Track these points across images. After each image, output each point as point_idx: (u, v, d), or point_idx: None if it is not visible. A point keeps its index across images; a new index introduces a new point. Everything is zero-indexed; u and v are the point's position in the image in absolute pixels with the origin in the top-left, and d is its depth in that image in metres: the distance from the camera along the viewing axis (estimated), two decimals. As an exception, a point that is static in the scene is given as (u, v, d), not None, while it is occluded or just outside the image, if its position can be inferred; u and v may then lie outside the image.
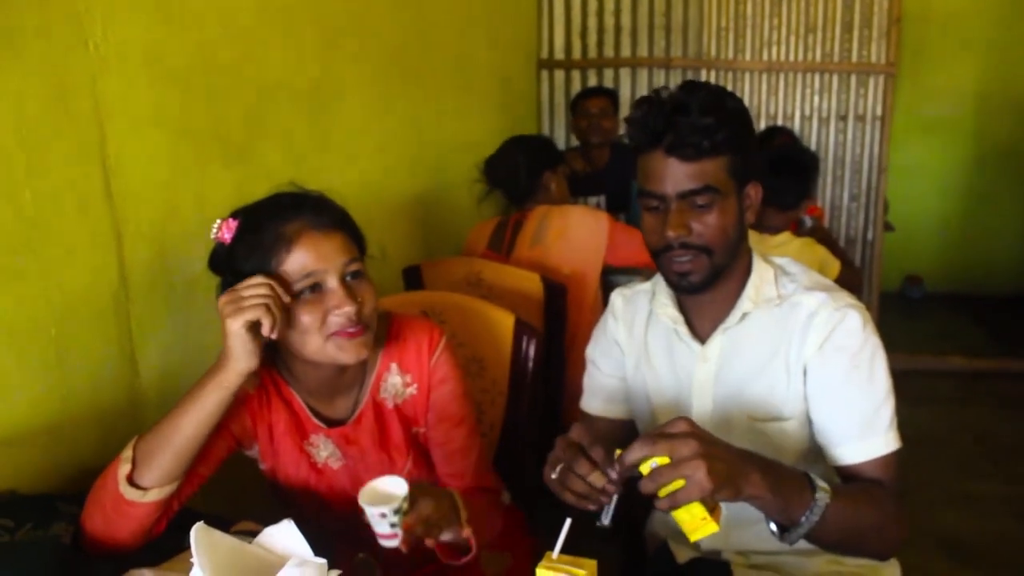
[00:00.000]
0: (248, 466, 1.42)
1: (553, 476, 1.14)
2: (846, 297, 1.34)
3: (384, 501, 1.13)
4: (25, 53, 1.22)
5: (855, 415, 1.30)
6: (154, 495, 1.17)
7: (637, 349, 1.51)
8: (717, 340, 1.39)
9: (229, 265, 1.25)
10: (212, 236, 1.24)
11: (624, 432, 1.59)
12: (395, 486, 1.16)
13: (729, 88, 3.81)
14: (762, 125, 3.93)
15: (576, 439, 1.14)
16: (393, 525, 1.14)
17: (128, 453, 1.18)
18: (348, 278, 1.26)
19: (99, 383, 1.39)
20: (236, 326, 1.16)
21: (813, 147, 3.96)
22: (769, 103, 3.96)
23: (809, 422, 1.36)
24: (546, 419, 2.21)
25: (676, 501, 1.03)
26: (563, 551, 1.04)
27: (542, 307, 2.28)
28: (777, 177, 2.51)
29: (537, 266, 2.50)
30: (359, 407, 1.42)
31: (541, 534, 1.71)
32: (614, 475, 1.09)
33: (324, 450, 1.41)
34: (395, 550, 1.51)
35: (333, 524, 1.47)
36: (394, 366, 1.43)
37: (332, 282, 1.24)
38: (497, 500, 1.57)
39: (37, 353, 1.27)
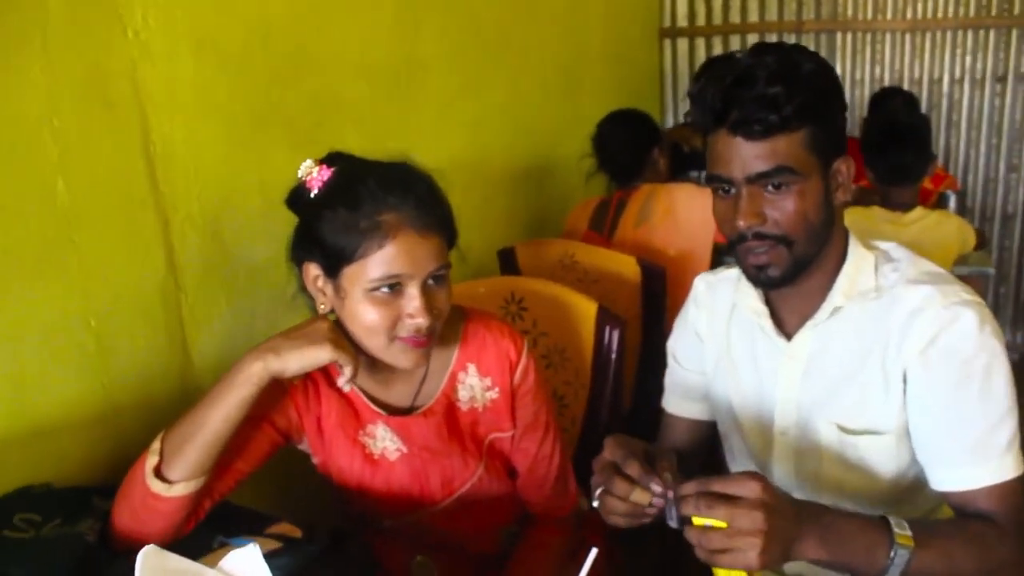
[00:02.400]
0: (299, 461, 1.37)
1: (595, 504, 1.04)
2: (961, 291, 1.13)
3: None
4: (56, 43, 1.19)
5: (963, 435, 1.10)
6: (181, 489, 1.12)
7: (719, 342, 1.35)
8: (805, 336, 1.22)
9: (312, 225, 1.18)
10: (299, 176, 1.20)
11: (707, 433, 1.44)
12: None
13: (868, 52, 3.56)
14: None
15: (609, 458, 1.03)
16: None
17: (156, 445, 1.14)
18: (430, 282, 1.18)
19: (147, 373, 1.37)
20: (327, 355, 1.13)
21: (964, 113, 3.58)
22: (913, 66, 3.60)
23: (910, 440, 1.16)
24: (643, 413, 2.07)
25: (716, 562, 0.92)
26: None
27: (640, 291, 2.12)
28: (894, 151, 2.24)
29: (642, 247, 2.35)
30: (428, 399, 1.34)
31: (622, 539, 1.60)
32: (658, 488, 0.98)
33: (381, 440, 1.33)
34: (455, 552, 1.44)
35: (390, 521, 1.41)
36: (472, 367, 1.35)
37: (413, 288, 1.16)
38: (566, 527, 1.48)
39: (76, 346, 1.25)
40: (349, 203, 1.15)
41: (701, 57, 3.81)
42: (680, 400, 1.44)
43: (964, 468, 1.10)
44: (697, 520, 0.93)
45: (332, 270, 1.18)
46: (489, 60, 2.41)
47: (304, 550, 1.17)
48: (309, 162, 1.21)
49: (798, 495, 1.28)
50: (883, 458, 1.19)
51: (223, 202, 1.49)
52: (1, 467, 1.17)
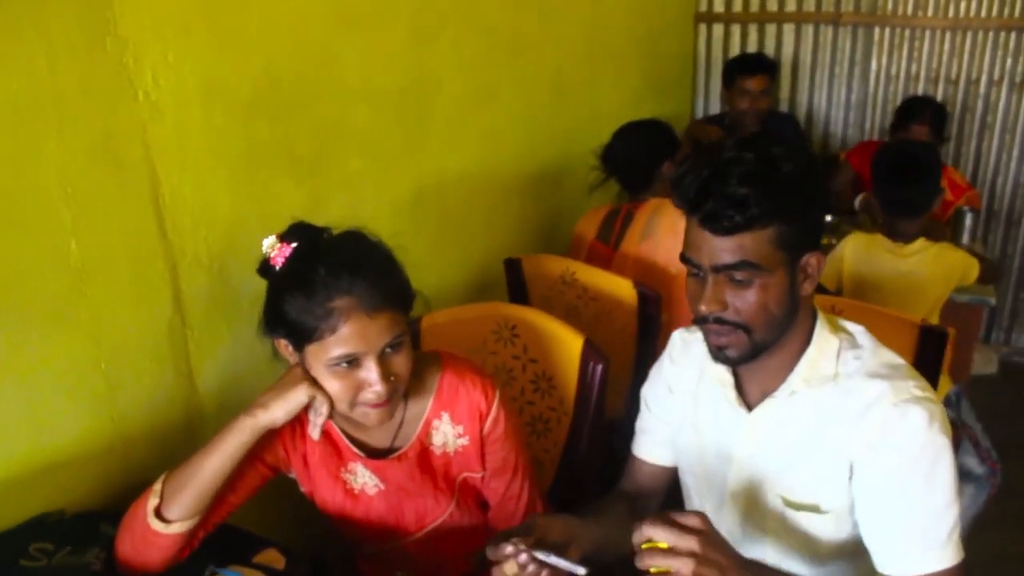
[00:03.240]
0: (293, 487, 1.50)
1: None
2: (912, 388, 1.19)
3: None
4: (70, 113, 1.31)
5: (908, 526, 1.17)
6: (178, 527, 1.27)
7: (687, 398, 1.44)
8: (764, 411, 1.30)
9: (276, 304, 1.30)
10: (264, 251, 1.30)
11: (668, 478, 1.53)
12: None
13: (905, 49, 3.50)
14: (940, 91, 3.50)
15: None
16: None
17: (157, 487, 1.29)
18: (387, 350, 1.29)
19: (154, 405, 1.51)
20: (304, 394, 1.27)
21: (1000, 116, 3.50)
22: (951, 65, 3.53)
23: (851, 519, 1.25)
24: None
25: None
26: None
27: (636, 314, 2.20)
28: (900, 185, 2.26)
29: (645, 263, 2.41)
30: (404, 443, 1.46)
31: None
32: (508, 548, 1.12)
33: (361, 477, 1.47)
34: (432, 569, 1.58)
35: (369, 546, 1.55)
36: (445, 416, 1.46)
37: (370, 361, 1.27)
38: None
39: (87, 387, 1.40)
40: (305, 290, 1.25)
41: (736, 44, 3.78)
42: (647, 444, 1.53)
43: (908, 557, 1.17)
44: (645, 546, 1.05)
45: (298, 345, 1.30)
46: (504, 67, 2.46)
47: None
48: (272, 239, 1.31)
49: (745, 550, 1.38)
50: (822, 533, 1.28)
51: (228, 240, 1.61)
52: (20, 496, 1.33)
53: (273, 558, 1.38)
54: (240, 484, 1.39)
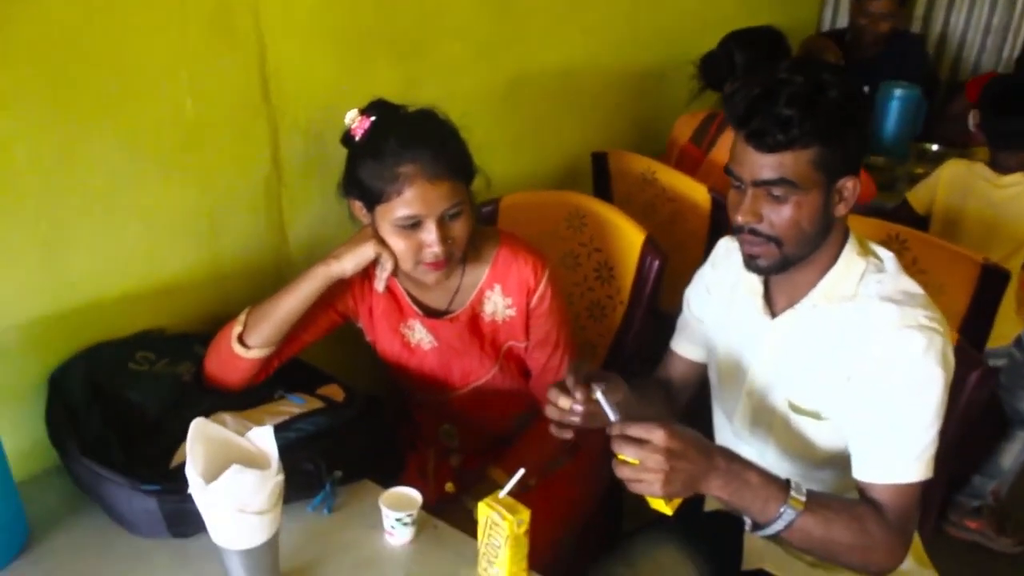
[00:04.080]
0: (357, 335, 1.71)
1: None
2: (920, 316, 1.26)
3: (401, 507, 1.33)
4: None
5: (883, 434, 1.28)
6: (255, 353, 1.50)
7: (722, 301, 1.55)
8: (785, 320, 1.40)
9: (353, 169, 1.48)
10: (346, 123, 1.47)
11: (699, 374, 1.66)
12: (410, 498, 1.36)
13: None
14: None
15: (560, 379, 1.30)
16: (394, 526, 1.33)
17: (242, 317, 1.51)
18: (447, 218, 1.45)
19: (248, 248, 1.73)
20: (372, 250, 1.45)
21: None
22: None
23: (846, 430, 1.35)
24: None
25: (631, 489, 1.16)
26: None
27: (708, 219, 2.28)
28: (1007, 115, 2.19)
29: (731, 170, 2.45)
30: (458, 307, 1.64)
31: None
32: (579, 394, 1.25)
33: (418, 333, 1.66)
34: (475, 427, 1.78)
35: (421, 395, 1.76)
36: (497, 287, 1.62)
37: (430, 223, 1.44)
38: None
39: (194, 228, 1.62)
40: (377, 157, 1.43)
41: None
42: (683, 341, 1.65)
43: (875, 463, 1.28)
44: (619, 456, 1.17)
45: (369, 206, 1.48)
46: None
47: (340, 412, 1.52)
48: (354, 112, 1.47)
49: (748, 447, 1.51)
50: (821, 438, 1.39)
51: (326, 109, 1.76)
52: (132, 312, 1.58)
53: (334, 391, 1.59)
54: (313, 325, 1.60)
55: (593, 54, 2.51)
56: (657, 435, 1.14)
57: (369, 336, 1.70)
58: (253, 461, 1.15)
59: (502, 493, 1.24)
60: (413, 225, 1.44)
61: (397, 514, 1.31)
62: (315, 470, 1.40)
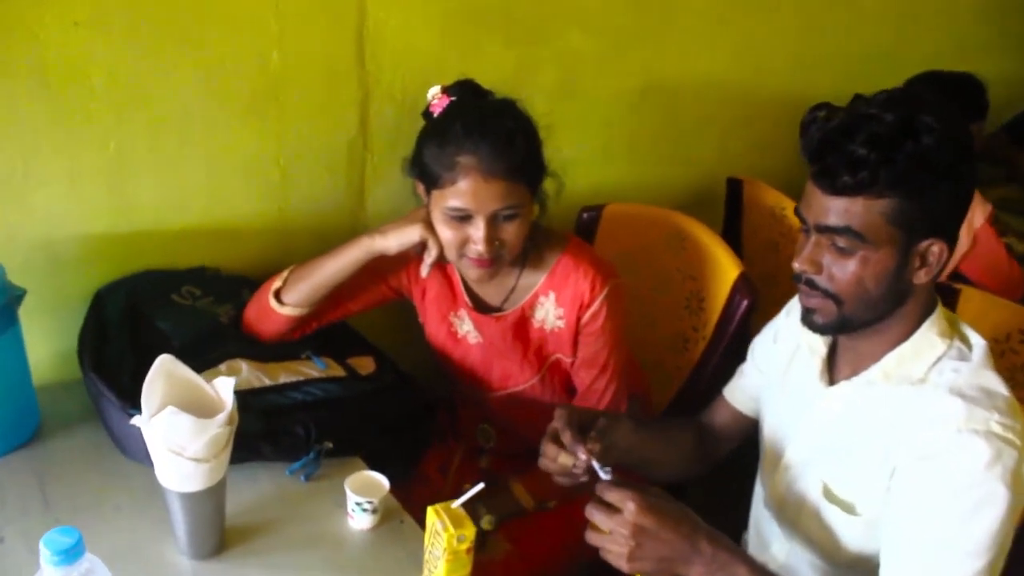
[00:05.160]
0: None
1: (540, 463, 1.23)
2: (994, 422, 1.04)
3: (364, 492, 1.29)
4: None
5: (918, 552, 1.07)
6: (289, 311, 1.51)
7: (785, 355, 1.39)
8: (840, 391, 1.22)
9: (419, 149, 1.45)
10: (428, 98, 1.44)
11: (744, 428, 1.50)
12: (377, 486, 1.31)
13: None
14: None
15: (554, 425, 1.21)
16: (354, 509, 1.29)
17: (284, 274, 1.53)
18: (500, 218, 1.38)
19: (320, 207, 1.74)
20: (417, 234, 1.42)
21: None
22: None
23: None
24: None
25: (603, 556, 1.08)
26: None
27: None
28: None
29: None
30: (509, 306, 1.57)
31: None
32: (582, 455, 1.16)
33: (466, 325, 1.61)
34: (511, 432, 1.70)
35: (461, 387, 1.70)
36: (552, 295, 1.54)
37: (479, 220, 1.37)
38: None
39: (264, 177, 1.65)
40: (439, 141, 1.37)
41: None
42: (736, 389, 1.49)
43: None
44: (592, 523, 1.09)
45: (427, 188, 1.43)
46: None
47: (354, 385, 1.50)
48: (437, 88, 1.43)
49: (772, 525, 1.34)
50: (850, 535, 1.20)
51: (424, 83, 1.67)
52: (193, 249, 1.63)
53: (364, 363, 1.58)
54: (360, 295, 1.59)
55: (747, 71, 2.32)
56: (629, 507, 1.04)
57: (420, 317, 1.66)
58: (211, 407, 1.14)
59: (456, 503, 1.16)
60: (462, 218, 1.38)
61: (358, 498, 1.27)
62: (304, 435, 1.38)
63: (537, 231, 1.51)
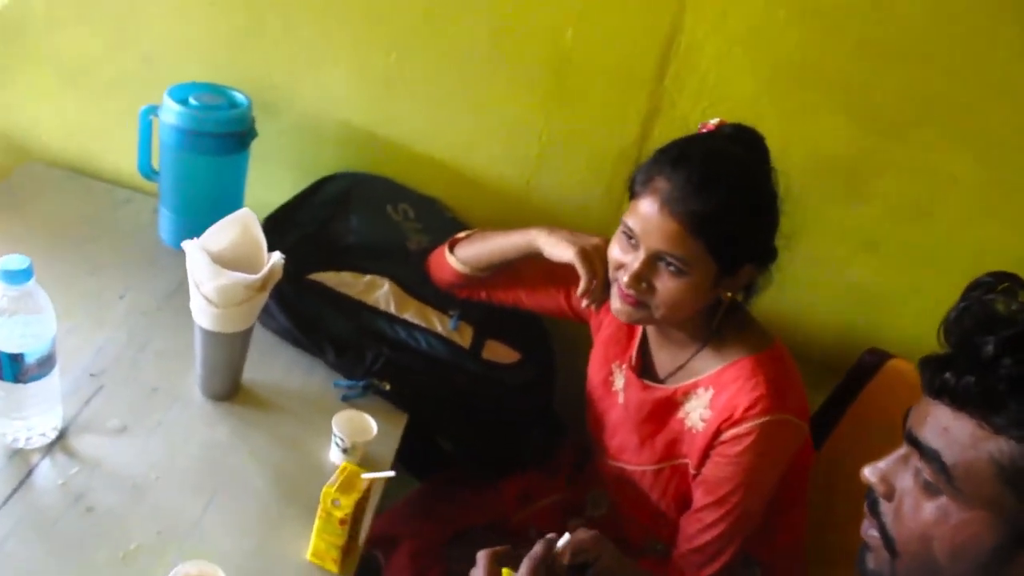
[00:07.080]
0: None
1: None
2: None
3: (346, 428, 1.26)
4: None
5: None
6: (455, 264, 1.53)
7: None
8: None
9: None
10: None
11: None
12: (363, 428, 1.27)
13: None
14: None
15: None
16: (334, 441, 1.27)
17: (471, 230, 1.57)
18: (661, 263, 1.22)
19: (569, 199, 1.72)
20: (569, 255, 1.36)
21: None
22: None
23: None
24: None
25: None
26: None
27: None
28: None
29: None
30: (667, 382, 1.39)
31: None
32: None
33: (620, 381, 1.47)
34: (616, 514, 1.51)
35: (594, 442, 1.55)
36: (711, 391, 1.32)
37: (642, 251, 1.23)
38: None
39: (523, 144, 1.69)
40: (657, 155, 1.25)
41: None
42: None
43: None
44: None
45: (631, 197, 1.30)
46: None
47: (462, 358, 1.51)
48: (718, 119, 1.29)
49: None
50: None
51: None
52: (432, 180, 1.74)
53: (505, 354, 1.59)
54: (536, 292, 1.55)
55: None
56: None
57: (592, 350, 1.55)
58: (253, 266, 1.22)
59: (367, 475, 1.09)
60: (631, 240, 1.24)
61: (336, 432, 1.25)
62: (368, 363, 1.39)
63: (736, 316, 1.32)
